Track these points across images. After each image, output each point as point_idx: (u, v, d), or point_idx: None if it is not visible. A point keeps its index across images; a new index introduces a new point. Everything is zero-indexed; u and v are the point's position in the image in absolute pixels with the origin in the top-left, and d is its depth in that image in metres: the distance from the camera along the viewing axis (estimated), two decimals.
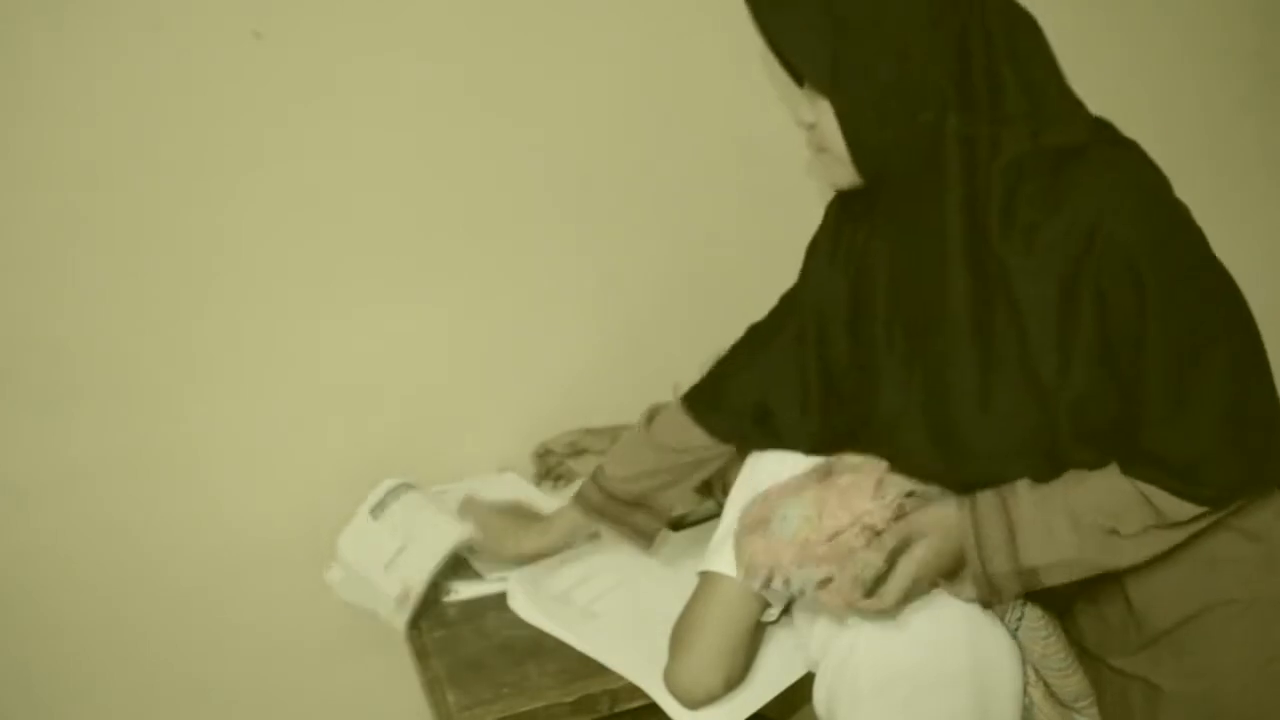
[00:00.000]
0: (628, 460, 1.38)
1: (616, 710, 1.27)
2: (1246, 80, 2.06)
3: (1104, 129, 1.10)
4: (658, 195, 1.73)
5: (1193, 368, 1.04)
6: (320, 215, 1.54)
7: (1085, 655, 1.25)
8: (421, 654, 1.35)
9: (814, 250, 1.32)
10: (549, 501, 1.53)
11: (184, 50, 1.42)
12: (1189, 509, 1.07)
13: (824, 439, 1.25)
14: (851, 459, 1.23)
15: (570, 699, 1.26)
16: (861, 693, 1.18)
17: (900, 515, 1.14)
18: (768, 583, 1.14)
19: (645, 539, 1.39)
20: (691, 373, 1.59)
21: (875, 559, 1.11)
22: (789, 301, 1.36)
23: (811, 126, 1.13)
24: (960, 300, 1.08)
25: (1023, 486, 1.11)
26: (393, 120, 1.54)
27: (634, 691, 1.26)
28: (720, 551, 1.23)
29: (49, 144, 1.39)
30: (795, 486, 1.19)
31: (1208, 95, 2.02)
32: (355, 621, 1.69)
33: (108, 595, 1.56)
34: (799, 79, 1.16)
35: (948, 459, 1.14)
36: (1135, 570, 1.13)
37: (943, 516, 1.13)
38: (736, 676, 1.22)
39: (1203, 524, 1.09)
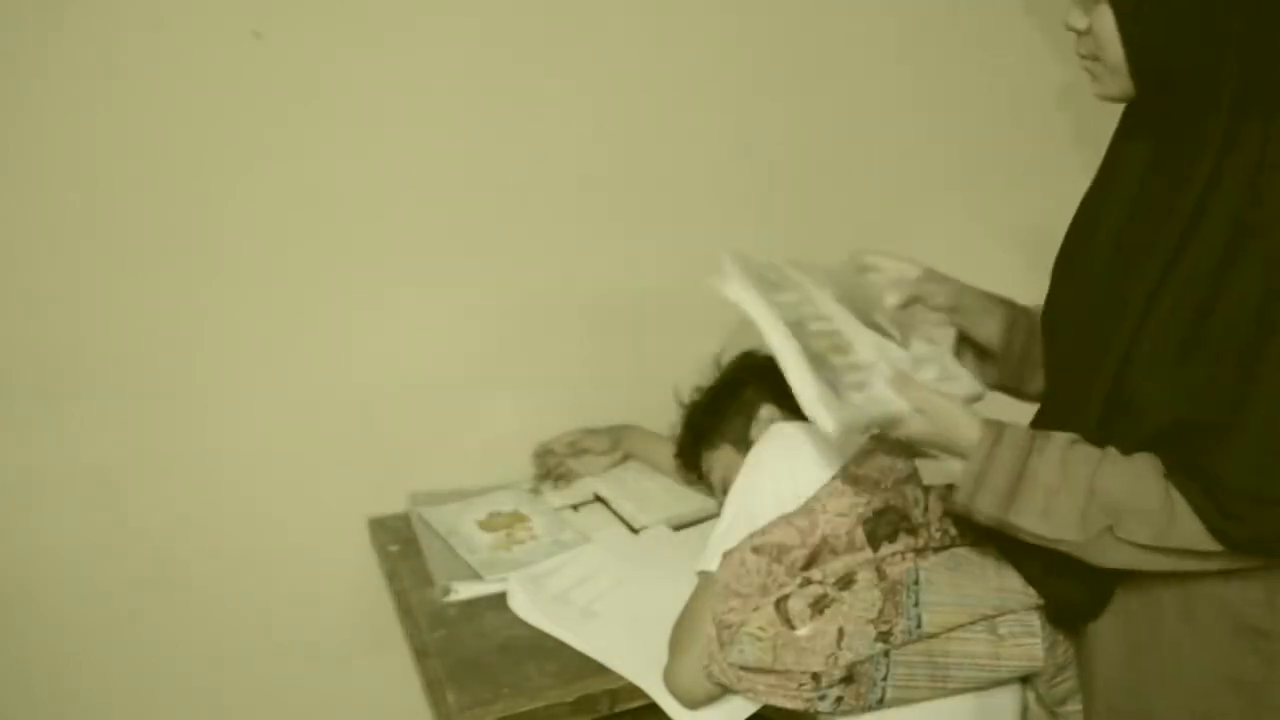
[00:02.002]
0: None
1: (616, 710, 1.27)
2: None
3: None
4: (658, 195, 1.72)
5: None
6: (321, 215, 1.54)
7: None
8: (421, 654, 1.35)
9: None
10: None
11: (184, 50, 1.42)
12: (1203, 538, 1.01)
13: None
14: (873, 459, 1.24)
15: (570, 699, 1.26)
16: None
17: (851, 676, 1.16)
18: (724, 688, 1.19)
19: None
20: (692, 373, 1.59)
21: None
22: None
23: (1085, 32, 1.05)
24: (1170, 240, 1.01)
25: (1057, 443, 1.06)
26: (393, 121, 1.54)
27: (634, 691, 1.26)
28: (719, 551, 1.23)
29: (50, 144, 1.39)
30: (761, 589, 1.20)
31: None
32: (355, 621, 1.69)
33: (108, 595, 1.56)
34: None
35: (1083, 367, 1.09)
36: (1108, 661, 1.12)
37: (964, 424, 1.07)
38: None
39: (1191, 564, 1.04)
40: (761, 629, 1.16)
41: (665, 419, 1.66)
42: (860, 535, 1.21)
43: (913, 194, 1.89)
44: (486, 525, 1.57)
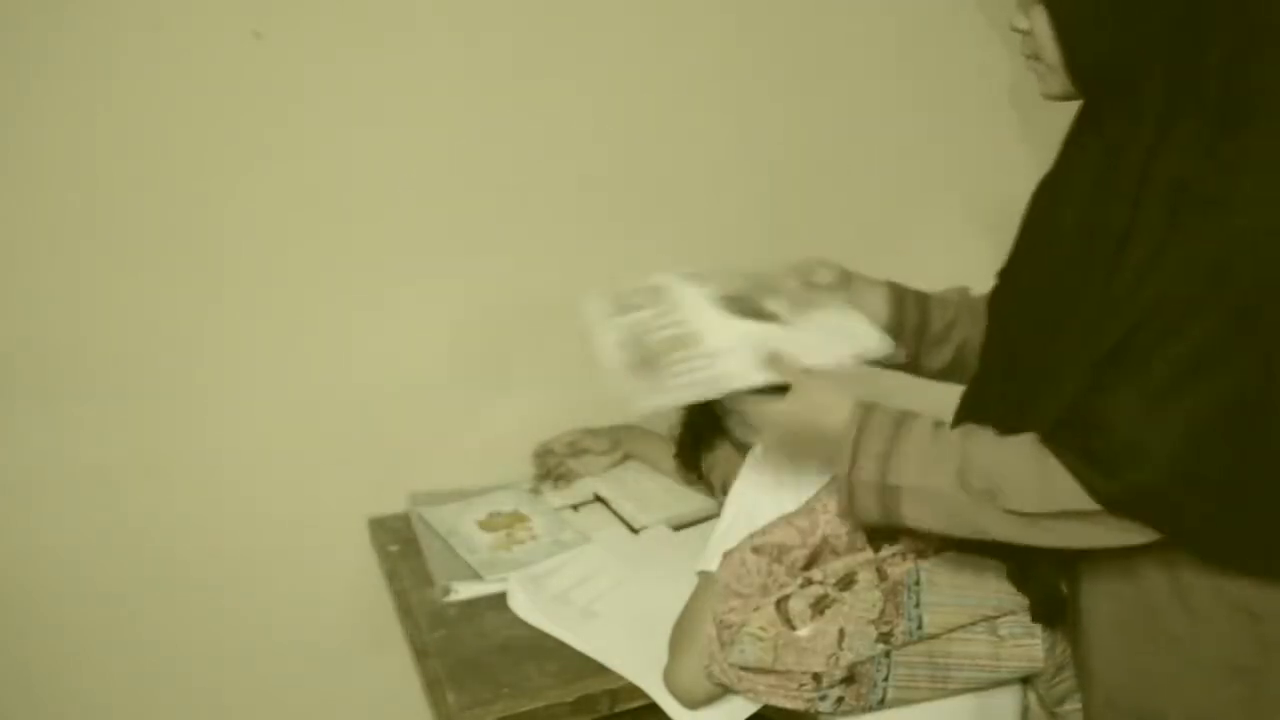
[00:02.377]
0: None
1: (616, 710, 1.27)
2: None
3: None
4: (658, 195, 1.72)
5: (1208, 377, 0.98)
6: (321, 216, 1.54)
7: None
8: (421, 654, 1.35)
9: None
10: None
11: (184, 50, 1.42)
12: (1081, 498, 1.01)
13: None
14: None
15: (570, 699, 1.26)
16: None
17: (851, 676, 1.16)
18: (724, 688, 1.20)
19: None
20: None
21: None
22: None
23: (1026, 33, 1.09)
24: (1113, 230, 1.04)
25: (923, 420, 1.11)
26: (393, 121, 1.54)
27: (634, 691, 1.26)
28: (719, 551, 1.23)
29: (50, 144, 1.39)
30: (761, 589, 1.20)
31: None
32: (355, 621, 1.69)
33: (108, 595, 1.56)
34: None
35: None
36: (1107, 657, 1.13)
37: (836, 400, 1.12)
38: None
39: (1082, 537, 1.03)
40: (762, 629, 1.16)
41: (665, 419, 1.66)
42: (861, 536, 1.21)
43: (912, 194, 1.89)
44: (486, 525, 1.57)
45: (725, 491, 1.33)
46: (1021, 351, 1.15)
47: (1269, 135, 0.99)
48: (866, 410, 1.11)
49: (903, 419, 1.11)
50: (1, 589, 1.51)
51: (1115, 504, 1.01)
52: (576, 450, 1.71)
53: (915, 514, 1.09)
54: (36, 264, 1.43)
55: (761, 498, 1.26)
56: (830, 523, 1.21)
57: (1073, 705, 1.22)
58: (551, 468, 1.70)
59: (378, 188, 1.56)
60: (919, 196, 1.89)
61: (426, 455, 1.68)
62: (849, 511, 1.13)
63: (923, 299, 1.37)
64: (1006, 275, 1.28)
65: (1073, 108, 1.16)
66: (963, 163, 1.90)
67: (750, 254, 1.77)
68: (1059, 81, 1.09)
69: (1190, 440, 0.98)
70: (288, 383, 1.58)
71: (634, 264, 1.73)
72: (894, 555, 1.21)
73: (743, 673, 1.17)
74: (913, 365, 1.38)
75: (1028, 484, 1.04)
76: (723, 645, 1.17)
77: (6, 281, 1.42)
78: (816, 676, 1.15)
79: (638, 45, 1.65)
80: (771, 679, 1.16)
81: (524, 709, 1.24)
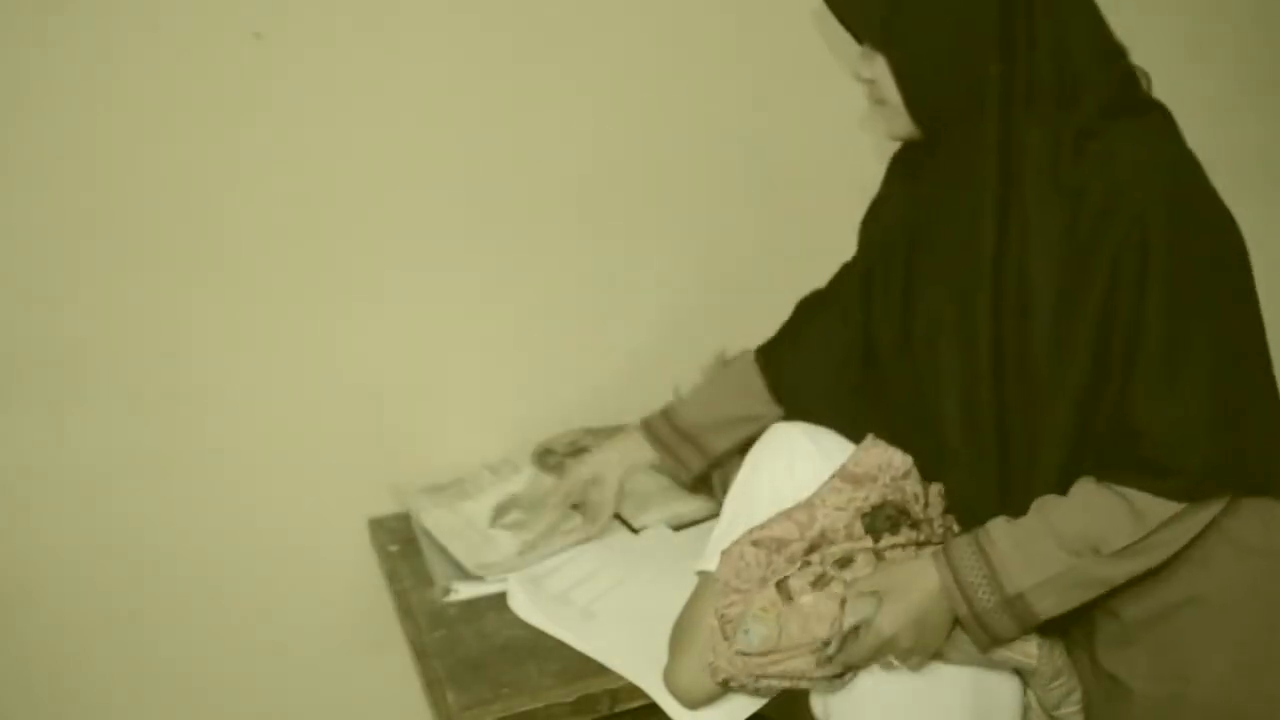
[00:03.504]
0: (697, 395, 1.48)
1: (616, 710, 1.27)
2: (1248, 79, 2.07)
3: (1131, 90, 1.13)
4: (660, 196, 1.72)
5: (1184, 347, 1.05)
6: (321, 215, 1.54)
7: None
8: (421, 654, 1.35)
9: (870, 213, 1.36)
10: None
11: (184, 50, 1.42)
12: (1164, 506, 1.07)
13: (857, 421, 1.29)
14: (870, 455, 1.24)
15: (570, 699, 1.26)
16: (859, 697, 1.18)
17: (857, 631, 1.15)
18: (728, 684, 1.19)
19: (686, 473, 1.47)
20: (693, 374, 1.59)
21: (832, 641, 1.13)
22: (843, 272, 1.41)
23: (870, 81, 1.17)
24: (985, 255, 1.12)
25: (997, 524, 1.12)
26: (393, 121, 1.54)
27: (634, 691, 1.26)
28: (719, 550, 1.23)
29: (50, 144, 1.39)
30: (760, 581, 1.20)
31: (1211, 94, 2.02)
32: (355, 621, 1.69)
33: (108, 595, 1.56)
34: (858, 37, 1.21)
35: (979, 453, 1.16)
36: None
37: (915, 571, 1.14)
38: None
39: (1184, 533, 1.09)
40: (763, 609, 1.16)
41: None
42: (858, 528, 1.21)
43: None
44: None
45: (725, 491, 1.33)
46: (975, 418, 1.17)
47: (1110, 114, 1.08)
48: (942, 553, 1.13)
49: (975, 539, 1.13)
50: (1, 589, 1.51)
51: (1191, 493, 1.07)
52: (576, 450, 1.70)
53: (1047, 606, 1.10)
54: (36, 264, 1.43)
55: (761, 497, 1.25)
56: (828, 516, 1.21)
57: (1070, 708, 1.22)
58: (552, 468, 1.70)
59: (377, 189, 1.56)
60: None
61: (426, 455, 1.68)
62: (992, 643, 1.13)
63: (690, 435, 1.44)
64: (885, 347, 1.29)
65: None
66: None
67: (754, 255, 1.79)
68: (903, 123, 1.17)
69: (1212, 399, 1.06)
70: (287, 383, 1.58)
71: (633, 263, 1.74)
72: (894, 547, 1.20)
73: (749, 659, 1.16)
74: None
75: (1117, 521, 1.08)
76: (726, 638, 1.17)
77: (6, 281, 1.42)
78: (825, 642, 1.14)
79: (639, 44, 1.65)
80: (778, 655, 1.15)
81: (524, 709, 1.24)
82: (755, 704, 1.23)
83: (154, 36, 1.40)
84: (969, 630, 1.13)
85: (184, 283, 1.50)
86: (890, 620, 1.11)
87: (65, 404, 1.48)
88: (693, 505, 1.61)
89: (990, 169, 1.10)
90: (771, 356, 1.43)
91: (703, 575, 1.25)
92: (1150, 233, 1.04)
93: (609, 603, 1.40)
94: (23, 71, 1.36)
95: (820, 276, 1.43)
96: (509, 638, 1.35)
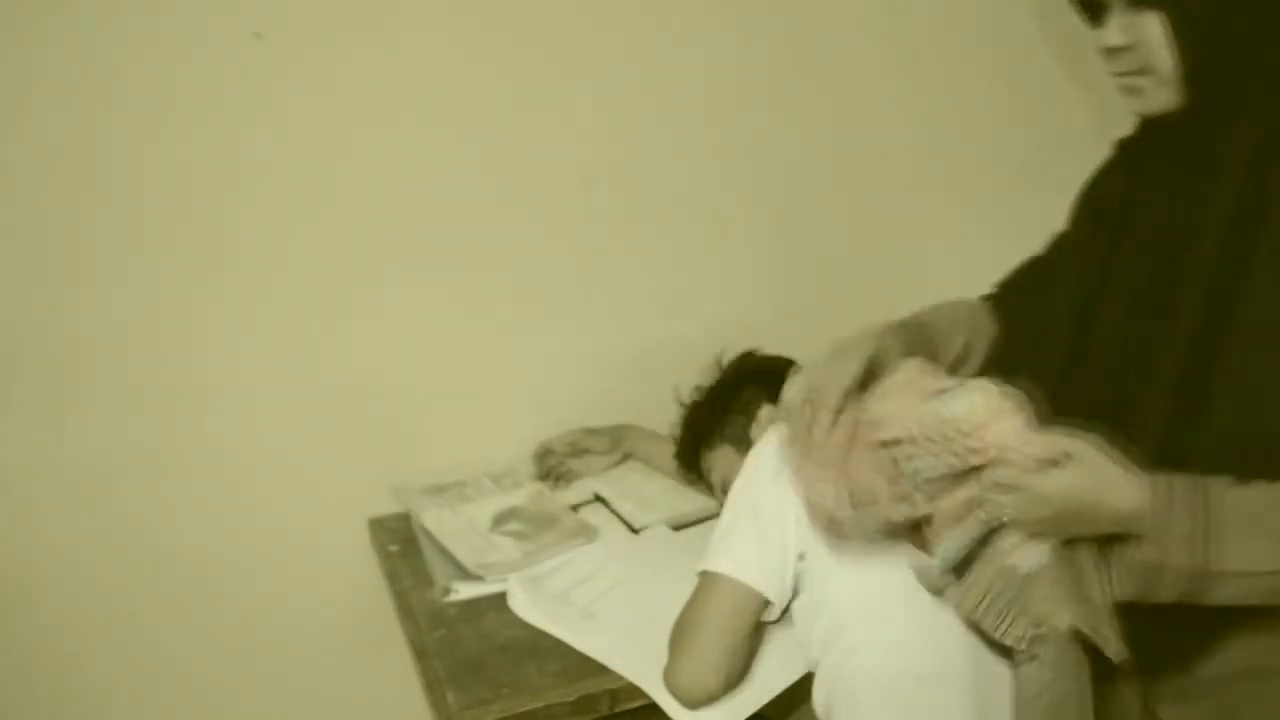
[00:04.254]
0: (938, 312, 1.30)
1: (616, 710, 1.27)
2: None
3: None
4: (659, 195, 1.72)
5: None
6: (321, 215, 1.54)
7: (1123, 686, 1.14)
8: (421, 654, 1.35)
9: (1083, 195, 1.21)
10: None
11: (184, 50, 1.42)
12: None
13: (1066, 379, 1.14)
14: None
15: (570, 699, 1.26)
16: (860, 697, 1.18)
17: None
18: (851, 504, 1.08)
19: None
20: (693, 374, 1.59)
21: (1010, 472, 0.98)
22: (1059, 240, 1.27)
23: (1128, 48, 1.01)
24: (1198, 276, 1.00)
25: (1225, 483, 0.96)
26: (393, 120, 1.54)
27: (634, 691, 1.26)
28: (720, 551, 1.23)
29: (50, 144, 1.39)
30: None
31: None
32: (355, 621, 1.69)
33: (108, 595, 1.56)
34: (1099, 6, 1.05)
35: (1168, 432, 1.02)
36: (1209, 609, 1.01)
37: (1123, 479, 0.97)
38: (736, 676, 1.22)
39: None
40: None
41: (665, 419, 1.66)
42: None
43: (916, 195, 1.89)
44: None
45: (725, 491, 1.33)
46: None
47: None
48: (1168, 487, 0.97)
49: (1205, 490, 0.96)
50: (1, 589, 1.51)
51: None
52: (577, 450, 1.71)
53: (1227, 595, 0.97)
54: (36, 264, 1.43)
55: (762, 496, 1.25)
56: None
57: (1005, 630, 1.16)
58: (552, 467, 1.70)
59: (377, 189, 1.56)
60: (922, 197, 1.89)
61: (427, 455, 1.68)
62: (1142, 593, 0.99)
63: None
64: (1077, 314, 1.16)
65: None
66: (964, 165, 1.90)
67: (753, 255, 1.79)
68: (1167, 95, 1.02)
69: None
70: (287, 383, 1.58)
71: (633, 262, 1.74)
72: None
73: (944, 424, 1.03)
74: None
75: None
76: (856, 505, 1.07)
77: (6, 281, 1.42)
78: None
79: (640, 44, 1.65)
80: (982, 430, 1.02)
81: (524, 709, 1.24)
82: (755, 704, 1.23)
83: (154, 36, 1.40)
84: (1133, 574, 0.99)
85: (184, 283, 1.50)
86: (1060, 486, 0.98)
87: (65, 404, 1.48)
88: (693, 505, 1.61)
89: (1242, 154, 0.98)
90: (1004, 304, 1.30)
91: (703, 575, 1.25)
92: None
93: (609, 602, 1.40)
94: (23, 71, 1.36)
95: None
96: (509, 638, 1.35)
